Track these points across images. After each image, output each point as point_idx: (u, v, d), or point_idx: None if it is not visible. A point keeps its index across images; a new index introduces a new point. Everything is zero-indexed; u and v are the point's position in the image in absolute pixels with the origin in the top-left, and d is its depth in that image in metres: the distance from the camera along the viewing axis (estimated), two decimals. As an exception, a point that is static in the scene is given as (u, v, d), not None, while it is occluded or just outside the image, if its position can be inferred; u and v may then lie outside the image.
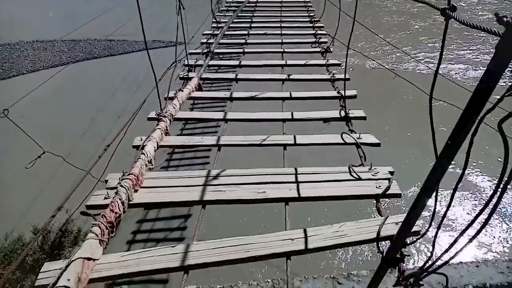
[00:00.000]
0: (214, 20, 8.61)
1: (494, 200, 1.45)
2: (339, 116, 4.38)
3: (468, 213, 7.45)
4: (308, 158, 7.02)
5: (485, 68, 1.30)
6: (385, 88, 11.19)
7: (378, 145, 3.80)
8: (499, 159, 8.44)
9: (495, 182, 1.42)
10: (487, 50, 15.35)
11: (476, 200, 7.75)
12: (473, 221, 1.69)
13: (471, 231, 1.72)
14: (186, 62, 6.08)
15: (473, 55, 15.14)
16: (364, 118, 4.37)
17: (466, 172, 1.63)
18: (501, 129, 1.31)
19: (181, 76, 5.61)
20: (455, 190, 1.79)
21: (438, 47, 15.53)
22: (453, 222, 7.21)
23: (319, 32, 7.66)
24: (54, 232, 6.45)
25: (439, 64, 1.84)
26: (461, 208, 7.60)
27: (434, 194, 1.83)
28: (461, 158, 1.52)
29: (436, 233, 2.04)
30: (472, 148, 1.49)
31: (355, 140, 3.78)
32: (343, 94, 4.68)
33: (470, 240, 1.78)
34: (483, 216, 1.60)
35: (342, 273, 5.40)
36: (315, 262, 6.51)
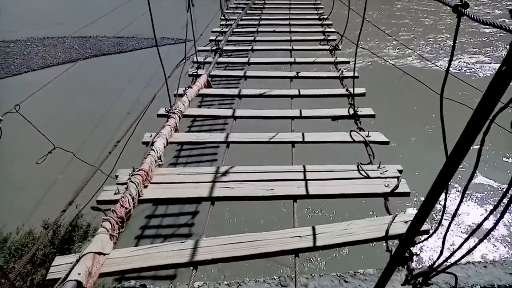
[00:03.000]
0: (223, 18, 8.62)
1: (505, 200, 1.44)
2: (348, 114, 4.37)
3: (478, 213, 7.37)
4: (317, 156, 7.01)
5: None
6: (395, 86, 11.12)
7: (387, 143, 3.79)
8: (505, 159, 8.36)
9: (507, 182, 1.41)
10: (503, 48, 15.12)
11: (487, 200, 7.67)
12: (483, 221, 1.68)
13: (481, 231, 1.71)
14: (195, 59, 6.10)
15: (488, 53, 14.93)
16: (373, 116, 4.36)
17: (477, 171, 1.62)
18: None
19: (190, 73, 5.63)
20: (465, 190, 1.78)
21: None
22: (463, 222, 7.15)
23: (327, 29, 7.63)
24: (64, 227, 6.51)
25: (450, 62, 1.83)
26: (472, 208, 7.53)
27: (443, 193, 1.83)
28: (473, 157, 1.51)
29: (446, 232, 2.03)
30: (483, 147, 1.48)
31: (363, 138, 3.77)
32: (351, 92, 4.67)
33: (481, 240, 1.77)
34: (494, 217, 1.59)
35: (349, 271, 5.39)
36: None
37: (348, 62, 6.17)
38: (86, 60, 15.45)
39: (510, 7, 1.19)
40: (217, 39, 7.28)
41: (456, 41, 1.65)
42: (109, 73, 14.70)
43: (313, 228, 2.60)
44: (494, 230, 1.59)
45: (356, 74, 4.82)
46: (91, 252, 2.27)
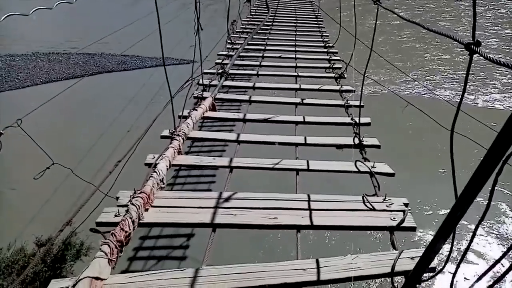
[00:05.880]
0: (229, 41, 8.71)
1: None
2: (353, 143, 4.34)
3: (490, 254, 7.09)
4: (321, 183, 6.92)
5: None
6: (401, 116, 11.11)
7: (392, 175, 3.75)
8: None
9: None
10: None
11: (499, 242, 7.44)
12: (495, 264, 1.63)
13: (491, 275, 1.65)
14: (200, 82, 6.11)
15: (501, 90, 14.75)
16: (378, 146, 4.34)
17: (489, 211, 1.57)
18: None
19: (196, 95, 5.63)
20: (475, 232, 1.72)
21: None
22: (473, 263, 6.88)
23: (333, 57, 7.71)
24: (57, 245, 6.37)
25: (461, 99, 1.82)
26: (483, 247, 7.26)
27: (452, 233, 1.77)
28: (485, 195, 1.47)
29: (455, 272, 1.96)
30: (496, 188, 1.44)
31: (369, 168, 3.73)
32: (357, 121, 4.66)
33: (494, 283, 1.71)
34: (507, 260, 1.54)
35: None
36: None
37: (353, 91, 6.19)
38: (90, 76, 15.50)
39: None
40: (223, 62, 7.33)
41: (469, 76, 1.64)
42: (112, 90, 14.74)
43: (317, 261, 2.52)
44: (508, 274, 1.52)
45: (361, 103, 4.83)
46: (88, 277, 2.18)
